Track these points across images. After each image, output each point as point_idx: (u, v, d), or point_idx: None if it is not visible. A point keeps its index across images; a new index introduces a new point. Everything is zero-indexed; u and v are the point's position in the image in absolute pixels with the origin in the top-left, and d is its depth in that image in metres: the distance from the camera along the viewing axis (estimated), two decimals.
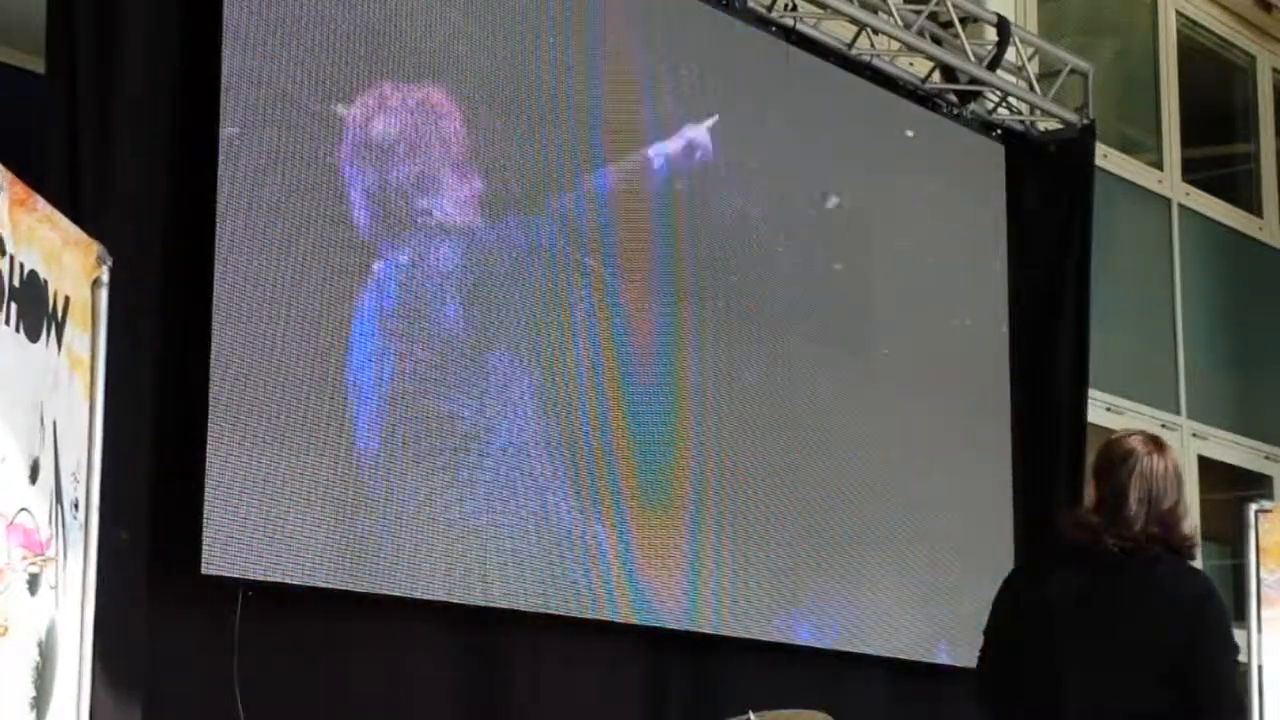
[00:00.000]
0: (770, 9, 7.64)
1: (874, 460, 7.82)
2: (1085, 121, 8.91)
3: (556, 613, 6.40)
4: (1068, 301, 8.78)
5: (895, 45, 8.18)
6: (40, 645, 3.97)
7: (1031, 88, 8.76)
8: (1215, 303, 10.87)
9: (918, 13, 8.09)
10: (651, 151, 7.03)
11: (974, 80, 8.51)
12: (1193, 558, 4.56)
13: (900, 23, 8.02)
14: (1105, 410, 9.62)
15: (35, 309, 3.92)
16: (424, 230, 6.16)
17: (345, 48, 5.98)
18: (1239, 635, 4.87)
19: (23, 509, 3.83)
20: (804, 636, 7.38)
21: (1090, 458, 4.95)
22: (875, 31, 8.01)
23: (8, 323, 3.78)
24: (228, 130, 5.60)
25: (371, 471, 5.89)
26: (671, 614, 6.81)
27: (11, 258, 3.78)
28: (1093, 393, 9.04)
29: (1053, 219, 8.88)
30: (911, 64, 8.39)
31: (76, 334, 4.19)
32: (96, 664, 4.35)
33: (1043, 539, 7.27)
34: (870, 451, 7.81)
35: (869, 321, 7.96)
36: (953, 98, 8.58)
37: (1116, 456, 4.54)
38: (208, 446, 5.43)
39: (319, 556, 5.70)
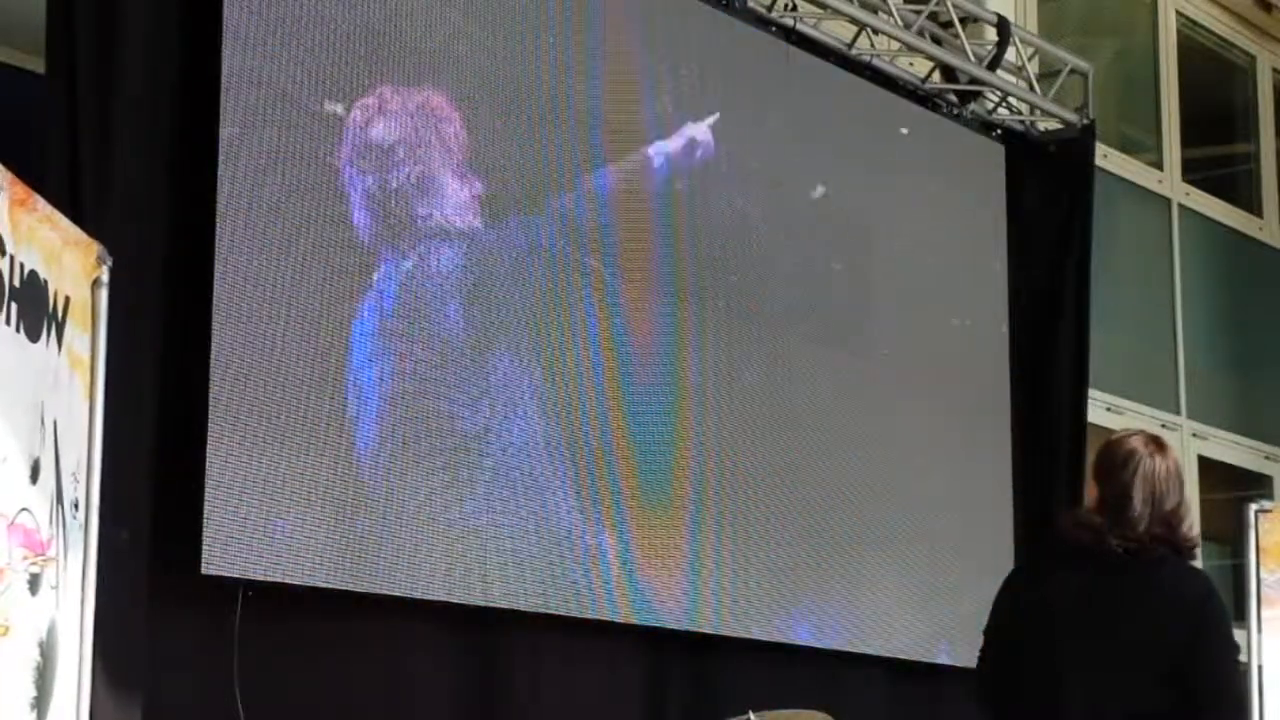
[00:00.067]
0: (770, 9, 7.64)
1: (874, 460, 7.82)
2: (1085, 121, 8.91)
3: (556, 613, 6.40)
4: (1068, 301, 8.78)
5: (895, 45, 8.18)
6: (41, 645, 3.97)
7: (1031, 88, 8.76)
8: (1215, 303, 10.87)
9: (918, 13, 8.09)
10: (651, 151, 7.03)
11: (974, 80, 8.51)
12: (1194, 558, 4.56)
13: (900, 23, 8.02)
14: (1105, 410, 9.62)
15: (35, 309, 3.92)
16: (424, 230, 6.16)
17: (345, 48, 5.98)
18: (1239, 635, 4.87)
19: (23, 509, 3.83)
20: (804, 636, 7.38)
21: (1090, 458, 4.94)
22: (875, 31, 8.01)
23: (8, 323, 3.78)
24: (228, 130, 5.60)
25: (371, 471, 5.89)
26: (671, 614, 6.81)
27: (11, 258, 3.78)
28: (1093, 393, 9.04)
29: (1053, 219, 8.88)
30: (911, 64, 8.39)
31: (76, 334, 4.19)
32: (96, 664, 4.35)
33: (1043, 539, 7.26)
34: (870, 451, 7.81)
35: (869, 321, 7.96)
36: (953, 98, 8.58)
37: (1118, 457, 4.53)
38: (208, 446, 5.43)
39: (319, 556, 5.70)
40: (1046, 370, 8.77)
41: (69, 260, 4.15)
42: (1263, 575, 6.96)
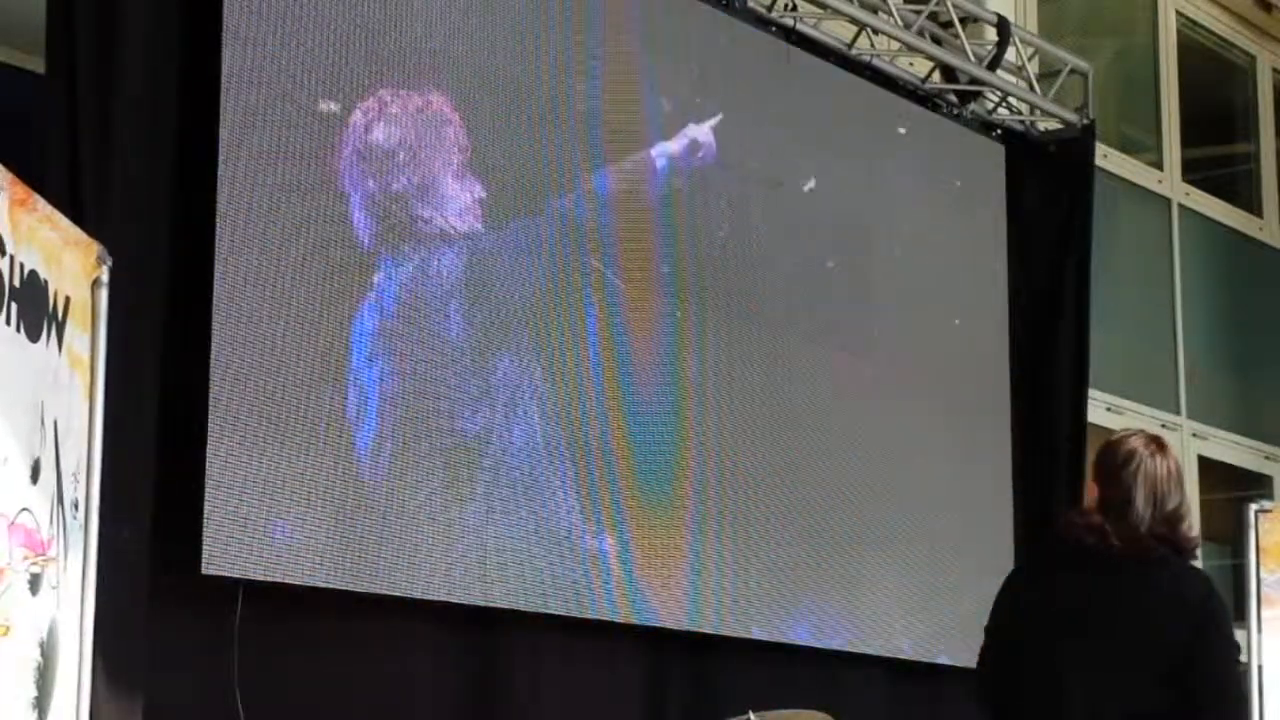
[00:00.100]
0: (770, 9, 7.64)
1: (874, 460, 7.82)
2: (1085, 121, 8.91)
3: (556, 613, 6.40)
4: (1068, 301, 8.78)
5: (895, 45, 8.18)
6: (41, 645, 3.97)
7: (1031, 88, 8.76)
8: (1215, 303, 10.87)
9: (918, 13, 8.09)
10: (652, 151, 7.03)
11: (974, 80, 8.51)
12: (1195, 558, 4.56)
13: (900, 23, 8.02)
14: (1105, 410, 9.63)
15: (35, 309, 3.92)
16: (424, 231, 6.16)
17: (345, 48, 5.97)
18: (1239, 635, 4.87)
19: (24, 509, 3.83)
20: (804, 636, 7.38)
21: (1090, 458, 4.94)
22: (875, 31, 8.01)
23: (8, 323, 3.78)
24: (228, 130, 5.59)
25: (371, 471, 5.88)
26: (671, 614, 6.81)
27: (11, 258, 3.78)
28: (1093, 393, 9.04)
29: (1053, 219, 8.88)
30: (911, 64, 8.39)
31: (76, 334, 4.19)
32: (97, 664, 4.36)
33: (1043, 539, 7.26)
34: (870, 451, 7.81)
35: (869, 321, 7.96)
36: (953, 98, 8.58)
37: (1119, 457, 4.53)
38: (208, 446, 5.43)
39: (319, 556, 5.70)
40: (1046, 370, 8.77)
41: (69, 260, 4.15)
42: (1263, 575, 6.96)
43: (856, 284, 7.92)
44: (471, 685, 6.30)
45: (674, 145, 7.09)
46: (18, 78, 5.88)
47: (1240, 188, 11.57)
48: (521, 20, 6.56)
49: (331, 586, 5.75)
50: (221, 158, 5.57)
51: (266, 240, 5.66)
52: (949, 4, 8.22)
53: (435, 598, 6.03)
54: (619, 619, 6.62)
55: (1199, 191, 10.98)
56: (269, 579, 5.58)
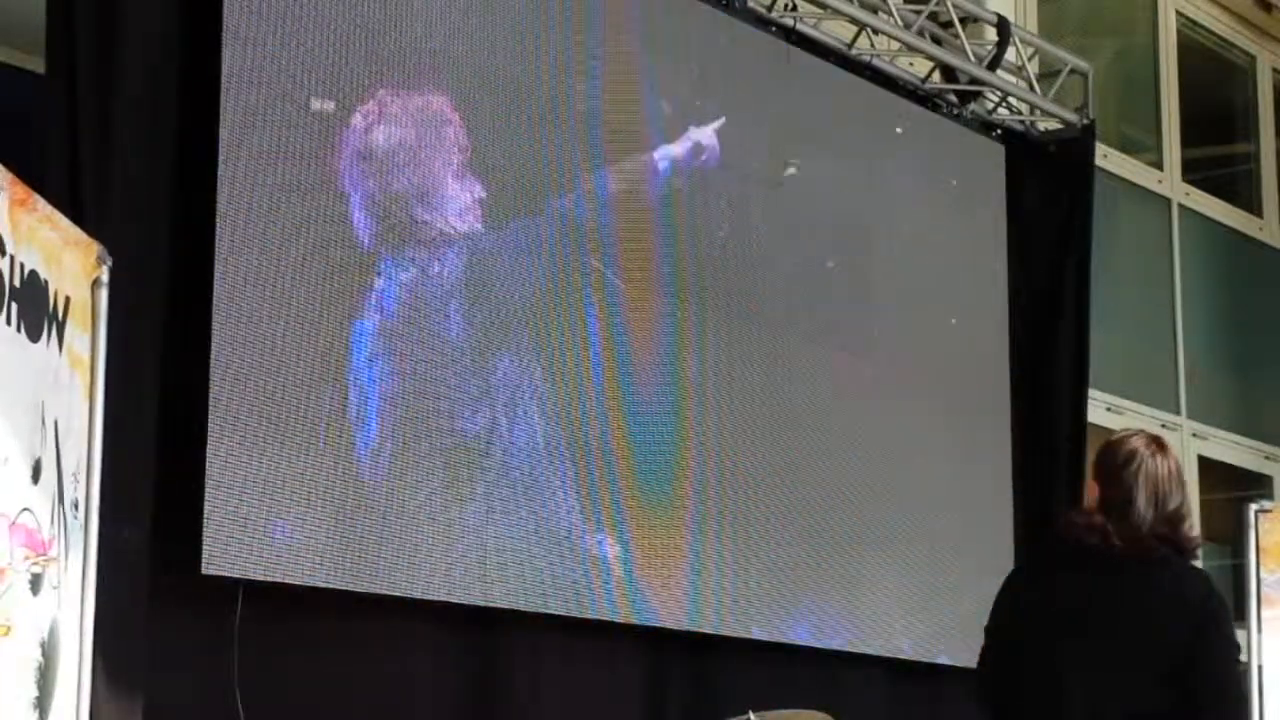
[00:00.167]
0: (770, 9, 7.64)
1: (874, 460, 7.82)
2: (1085, 121, 8.91)
3: (556, 613, 6.40)
4: (1068, 301, 8.78)
5: (895, 45, 8.18)
6: (42, 645, 3.97)
7: (1031, 88, 8.76)
8: (1215, 303, 10.87)
9: (918, 13, 8.09)
10: (656, 155, 7.03)
11: (974, 80, 8.51)
12: (1195, 558, 4.56)
13: (900, 23, 8.02)
14: (1105, 410, 9.63)
15: (36, 309, 3.92)
16: (424, 231, 6.16)
17: (345, 48, 5.97)
18: (1239, 635, 4.87)
19: (25, 509, 3.83)
20: (804, 636, 7.38)
21: (1090, 458, 4.94)
22: (875, 31, 8.01)
23: (8, 323, 3.78)
24: (228, 130, 5.59)
25: (371, 471, 5.88)
26: (672, 614, 6.81)
27: (11, 258, 3.78)
28: (1093, 393, 9.04)
29: (1053, 219, 8.88)
30: (911, 64, 8.39)
31: (77, 334, 4.19)
32: (97, 664, 4.35)
33: (1044, 539, 7.26)
34: (870, 451, 7.81)
35: (869, 321, 7.96)
36: (953, 98, 8.58)
37: (1120, 457, 4.53)
38: (208, 446, 5.43)
39: (319, 556, 5.70)
40: (1046, 370, 8.77)
41: (69, 260, 4.15)
42: (1263, 575, 6.96)
43: (856, 284, 7.92)
44: (471, 685, 6.30)
45: (677, 148, 7.09)
46: (18, 78, 5.88)
47: (1240, 188, 11.57)
48: (521, 20, 6.56)
49: (331, 586, 5.75)
50: (221, 158, 5.57)
51: (266, 240, 5.66)
52: (949, 4, 8.22)
53: (435, 598, 6.03)
54: (619, 619, 6.62)
55: (1199, 191, 10.98)
56: (269, 579, 5.57)
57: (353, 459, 5.83)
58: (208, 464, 5.42)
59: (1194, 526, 4.54)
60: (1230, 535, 8.43)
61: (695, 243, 7.14)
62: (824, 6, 7.76)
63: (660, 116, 7.08)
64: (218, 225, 5.53)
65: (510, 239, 6.42)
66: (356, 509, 5.82)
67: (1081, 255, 8.79)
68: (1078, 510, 4.67)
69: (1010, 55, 8.58)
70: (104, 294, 4.33)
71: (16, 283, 3.81)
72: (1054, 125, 8.94)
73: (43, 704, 3.96)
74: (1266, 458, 11.11)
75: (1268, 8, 11.54)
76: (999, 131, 8.82)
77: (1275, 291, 11.38)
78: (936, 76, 8.48)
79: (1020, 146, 8.89)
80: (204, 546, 5.40)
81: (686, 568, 6.88)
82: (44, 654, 3.97)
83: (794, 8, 7.73)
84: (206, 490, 5.41)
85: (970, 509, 8.27)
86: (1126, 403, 9.94)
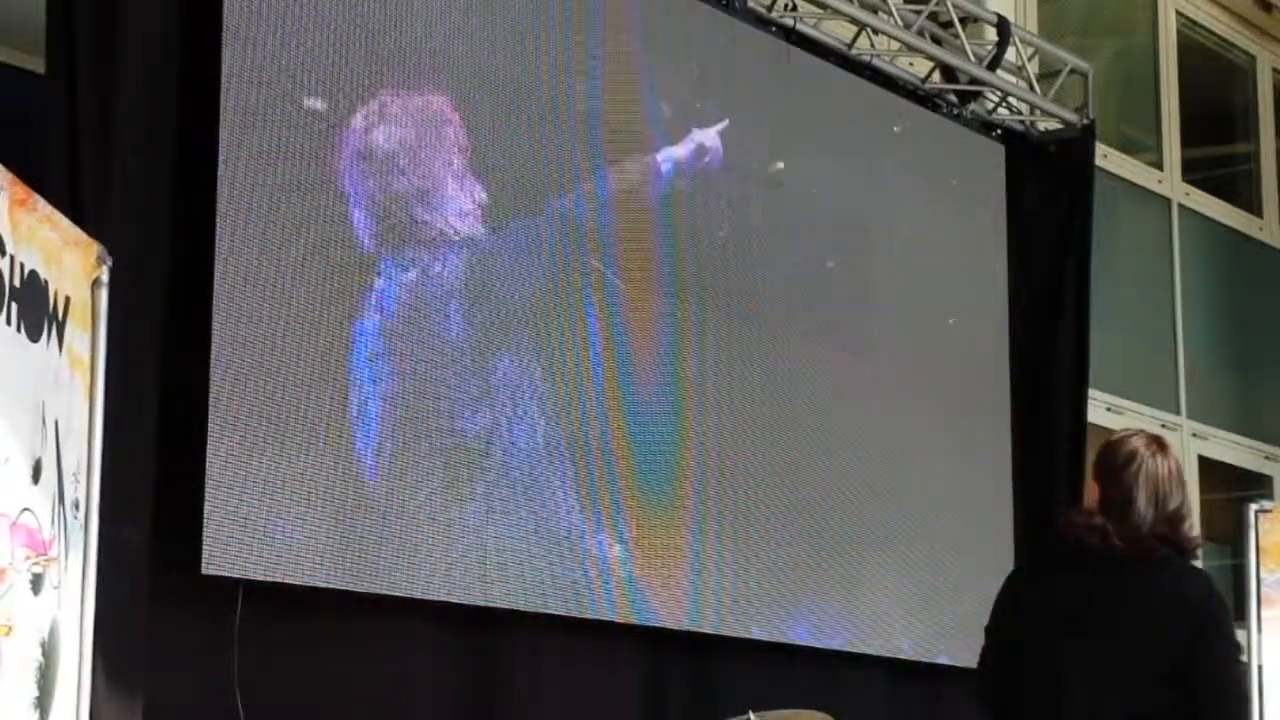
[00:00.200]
0: (770, 9, 7.63)
1: (874, 460, 7.81)
2: (1085, 121, 8.91)
3: (556, 613, 6.40)
4: (1068, 301, 8.78)
5: (895, 45, 8.18)
6: (43, 645, 3.97)
7: (1031, 88, 8.76)
8: (1215, 303, 10.87)
9: (918, 13, 8.09)
10: (659, 156, 7.03)
11: (974, 80, 8.51)
12: (1196, 558, 4.56)
13: (900, 23, 8.02)
14: (1105, 410, 9.63)
15: (36, 309, 3.92)
16: (424, 231, 6.16)
17: (345, 48, 5.97)
18: (1239, 635, 4.87)
19: (26, 509, 3.83)
20: (804, 636, 7.38)
21: (1090, 458, 4.94)
22: (875, 31, 8.01)
23: (8, 323, 3.78)
24: (227, 130, 5.59)
25: (371, 471, 5.88)
26: (672, 614, 6.81)
27: (12, 258, 3.78)
28: (1093, 393, 9.04)
29: (1053, 219, 8.88)
30: (911, 64, 8.39)
31: (77, 334, 4.19)
32: (97, 663, 4.35)
33: (1044, 539, 7.26)
34: (870, 451, 7.81)
35: (869, 321, 7.96)
36: (953, 98, 8.58)
37: (1120, 457, 4.53)
38: (208, 446, 5.43)
39: (319, 556, 5.70)
40: (1046, 370, 8.77)
41: (69, 260, 4.15)
42: (1263, 575, 6.97)
43: (856, 284, 7.92)
44: (471, 685, 6.30)
45: (680, 150, 7.09)
46: (18, 78, 5.88)
47: (1240, 188, 11.57)
48: (521, 20, 6.56)
49: (331, 586, 5.75)
50: (221, 158, 5.57)
51: (266, 240, 5.66)
52: (949, 4, 8.22)
53: (435, 598, 6.03)
54: (619, 619, 6.62)
55: (1199, 191, 10.98)
56: (269, 579, 5.57)
57: (353, 459, 5.83)
58: (208, 464, 5.42)
59: (1194, 526, 4.54)
60: (1230, 535, 8.43)
61: (695, 243, 7.14)
62: (824, 6, 7.76)
63: (660, 117, 7.08)
64: (218, 225, 5.53)
65: (510, 239, 6.42)
66: (356, 509, 5.82)
67: (1081, 255, 8.79)
68: (1078, 510, 4.66)
69: (1010, 55, 8.58)
70: (104, 294, 4.33)
71: (16, 283, 3.81)
72: (1054, 125, 8.94)
73: (43, 704, 3.96)
74: (1266, 458, 11.11)
75: (1268, 8, 11.54)
76: (999, 131, 8.82)
77: (1275, 291, 11.38)
78: (936, 76, 8.48)
79: (1020, 146, 8.89)
80: (204, 546, 5.40)
81: (686, 568, 6.88)
82: (44, 654, 3.97)
83: (794, 8, 7.73)
84: (206, 490, 5.41)
85: (970, 509, 8.27)
86: (1126, 403, 9.94)
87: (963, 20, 8.35)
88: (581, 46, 6.79)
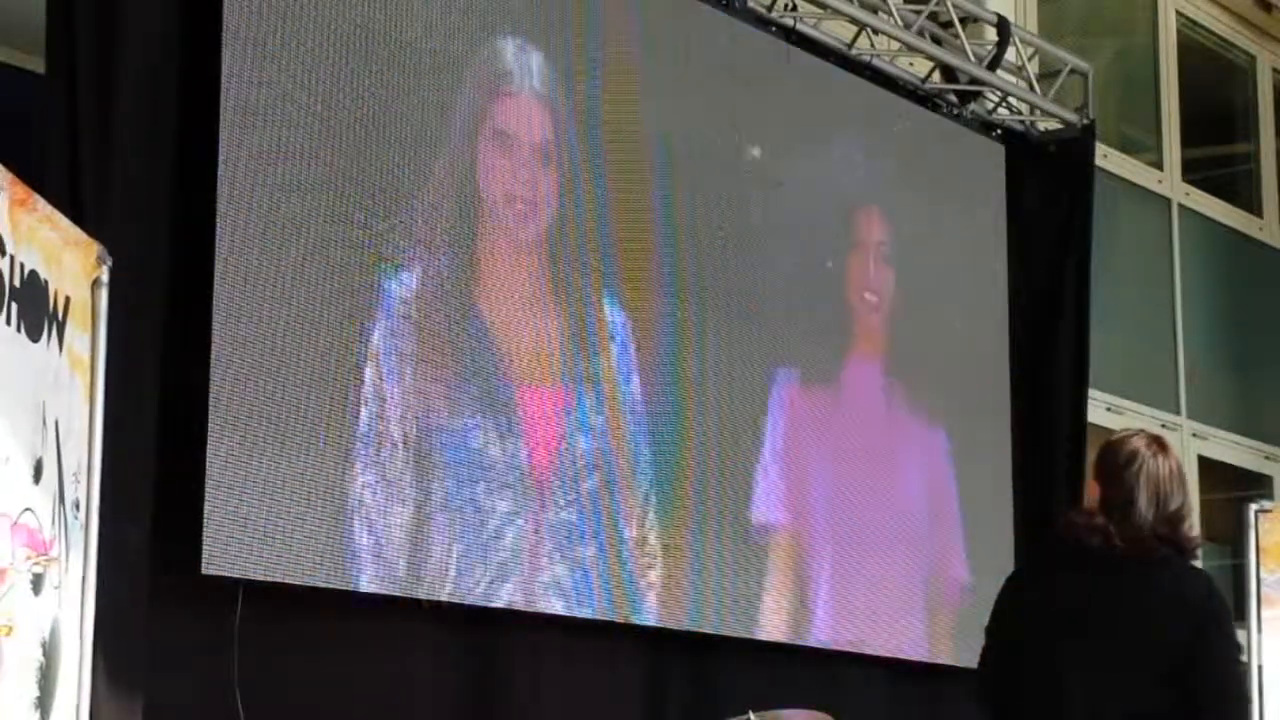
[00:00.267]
0: (770, 9, 7.63)
1: (874, 460, 7.81)
2: (1085, 121, 8.91)
3: (556, 613, 6.39)
4: (1068, 301, 8.78)
5: (895, 45, 8.17)
6: (44, 645, 3.97)
7: (1031, 88, 8.76)
8: (1215, 303, 10.87)
9: (918, 13, 8.09)
10: (652, 152, 7.03)
11: (974, 80, 8.51)
12: (1196, 558, 4.56)
13: (900, 23, 8.02)
14: (1105, 410, 9.62)
15: (36, 309, 3.92)
16: (424, 230, 6.15)
17: (345, 48, 5.97)
18: (1239, 635, 4.87)
19: (26, 509, 3.83)
20: (804, 637, 7.37)
21: (1090, 458, 4.94)
22: (875, 31, 8.01)
23: (9, 323, 3.78)
24: (227, 130, 5.59)
25: (371, 471, 5.88)
26: (672, 614, 6.81)
27: (12, 258, 3.78)
28: (1093, 393, 9.04)
29: (1053, 219, 8.88)
30: (911, 64, 8.39)
31: (77, 334, 4.19)
32: (97, 663, 4.35)
33: (1044, 539, 7.26)
34: (870, 451, 7.80)
35: (869, 321, 7.95)
36: (953, 98, 8.58)
37: (1121, 457, 4.52)
38: (208, 446, 5.43)
39: (319, 556, 5.70)
40: (1046, 370, 8.77)
41: (69, 260, 4.15)
42: (1263, 575, 6.97)
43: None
44: (471, 685, 6.29)
45: (677, 148, 7.09)
46: (18, 78, 5.88)
47: (1240, 188, 11.57)
48: (521, 21, 6.56)
49: (331, 586, 5.74)
50: (221, 158, 5.57)
51: (266, 240, 5.66)
52: (949, 4, 8.22)
53: (435, 598, 6.03)
54: (619, 619, 6.62)
55: (1199, 191, 10.97)
56: (269, 579, 5.57)
57: (353, 459, 5.83)
58: (208, 464, 5.42)
59: (1194, 526, 4.54)
60: (1230, 535, 8.44)
61: (695, 243, 7.14)
62: (824, 6, 7.76)
63: (660, 116, 7.07)
64: (218, 225, 5.52)
65: (510, 238, 6.42)
66: (356, 509, 5.81)
67: (1081, 255, 8.79)
68: (1078, 510, 4.66)
69: (1010, 55, 8.58)
70: (104, 294, 4.33)
71: (16, 283, 3.81)
72: (1054, 125, 8.94)
73: (44, 704, 3.96)
74: (1266, 458, 11.11)
75: (1268, 8, 11.54)
76: (999, 131, 8.82)
77: (1275, 291, 11.38)
78: (936, 76, 8.48)
79: (1020, 146, 8.89)
80: (204, 546, 5.40)
81: (687, 567, 6.87)
82: (45, 654, 3.97)
83: (794, 8, 7.73)
84: (206, 490, 5.41)
85: (970, 509, 8.26)
86: (1126, 403, 9.94)
87: (963, 20, 8.35)
88: (581, 48, 6.78)
